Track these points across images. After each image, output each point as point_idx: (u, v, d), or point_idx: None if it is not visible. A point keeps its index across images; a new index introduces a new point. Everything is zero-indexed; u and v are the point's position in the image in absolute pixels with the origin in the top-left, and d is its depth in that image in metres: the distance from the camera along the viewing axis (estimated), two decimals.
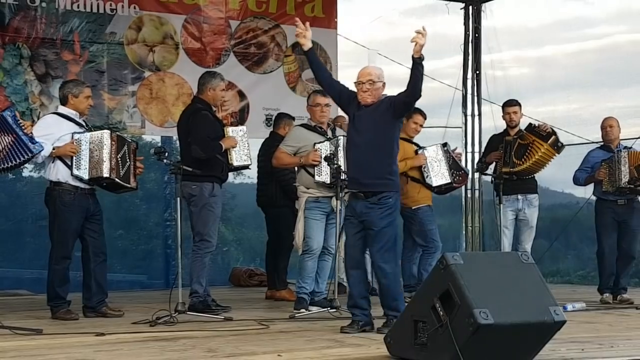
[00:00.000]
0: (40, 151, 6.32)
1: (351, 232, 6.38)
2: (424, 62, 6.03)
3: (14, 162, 6.11)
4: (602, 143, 8.64)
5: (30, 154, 6.16)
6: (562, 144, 8.31)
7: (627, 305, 8.03)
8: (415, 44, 5.98)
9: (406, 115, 8.06)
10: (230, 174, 7.87)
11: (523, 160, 8.26)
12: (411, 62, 6.05)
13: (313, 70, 6.58)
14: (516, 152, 8.28)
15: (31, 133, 6.22)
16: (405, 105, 6.32)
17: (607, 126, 8.52)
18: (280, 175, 8.32)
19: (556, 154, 8.32)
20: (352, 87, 6.35)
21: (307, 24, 6.43)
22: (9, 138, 6.07)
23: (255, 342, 5.55)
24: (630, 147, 8.54)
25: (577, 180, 8.60)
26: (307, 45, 6.40)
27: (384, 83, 6.36)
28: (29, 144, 6.13)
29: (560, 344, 5.10)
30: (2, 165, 6.10)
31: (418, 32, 5.98)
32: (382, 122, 6.21)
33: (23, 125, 6.17)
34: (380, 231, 6.15)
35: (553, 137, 8.24)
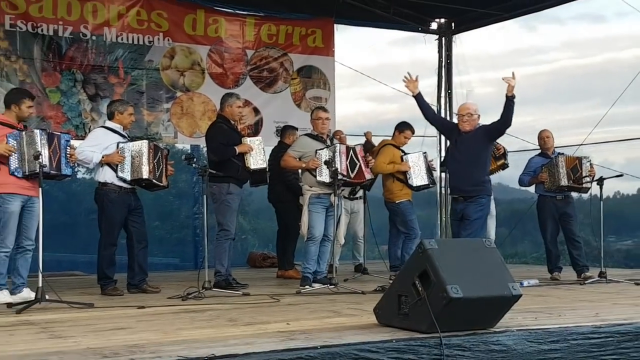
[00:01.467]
0: (69, 176, 6.29)
1: (457, 231, 6.85)
2: (514, 99, 6.52)
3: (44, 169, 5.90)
4: (539, 150, 8.64)
5: (57, 172, 6.09)
6: (507, 165, 8.52)
7: (591, 281, 7.81)
8: (508, 85, 6.46)
9: (399, 129, 8.18)
10: None
11: None
12: (505, 99, 6.53)
13: (421, 110, 6.93)
14: None
15: (72, 162, 6.23)
16: (499, 133, 6.87)
17: (545, 137, 8.52)
18: (286, 176, 8.32)
19: (501, 170, 8.52)
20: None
21: (417, 76, 6.83)
22: (54, 153, 6.06)
23: (268, 313, 5.55)
24: (563, 153, 8.51)
25: (522, 182, 8.56)
26: (415, 91, 6.85)
27: (479, 115, 6.90)
28: (63, 165, 6.13)
29: (517, 314, 5.09)
30: (32, 168, 5.92)
31: (507, 78, 6.45)
32: (479, 145, 6.77)
33: (69, 153, 6.19)
34: (473, 221, 6.69)
35: (502, 160, 8.43)
